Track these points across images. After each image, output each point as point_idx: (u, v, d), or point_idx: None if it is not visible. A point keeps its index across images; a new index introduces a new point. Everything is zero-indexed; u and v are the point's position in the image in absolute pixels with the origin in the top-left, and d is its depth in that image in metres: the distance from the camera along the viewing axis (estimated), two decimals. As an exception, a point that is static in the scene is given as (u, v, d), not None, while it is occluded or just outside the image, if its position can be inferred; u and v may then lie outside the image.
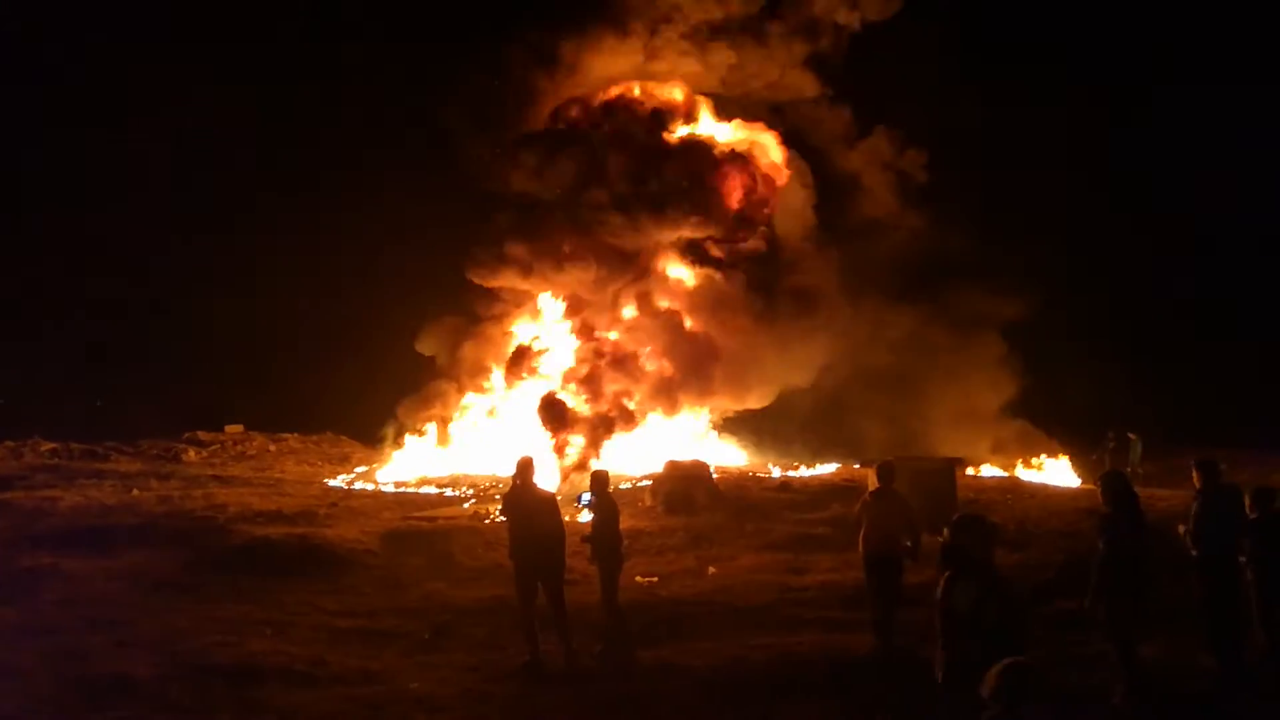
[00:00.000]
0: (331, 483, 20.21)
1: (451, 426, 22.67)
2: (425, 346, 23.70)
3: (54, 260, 27.98)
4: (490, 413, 22.78)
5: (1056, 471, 21.75)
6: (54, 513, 15.14)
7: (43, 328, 28.15)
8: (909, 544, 9.48)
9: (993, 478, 20.86)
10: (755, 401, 23.39)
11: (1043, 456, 22.40)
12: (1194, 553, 8.42)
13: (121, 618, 10.37)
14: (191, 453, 23.07)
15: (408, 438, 22.73)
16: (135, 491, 17.44)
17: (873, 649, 9.38)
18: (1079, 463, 21.36)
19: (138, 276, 28.71)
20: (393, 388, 23.84)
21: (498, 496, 15.67)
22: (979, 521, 6.27)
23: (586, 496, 9.81)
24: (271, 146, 29.00)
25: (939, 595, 5.84)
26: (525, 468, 9.49)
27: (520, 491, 9.41)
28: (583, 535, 9.85)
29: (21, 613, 10.38)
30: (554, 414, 20.62)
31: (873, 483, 15.67)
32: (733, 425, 24.09)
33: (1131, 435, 18.80)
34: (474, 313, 23.51)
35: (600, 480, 9.84)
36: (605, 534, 9.61)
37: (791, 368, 22.65)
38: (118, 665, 8.82)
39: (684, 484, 16.73)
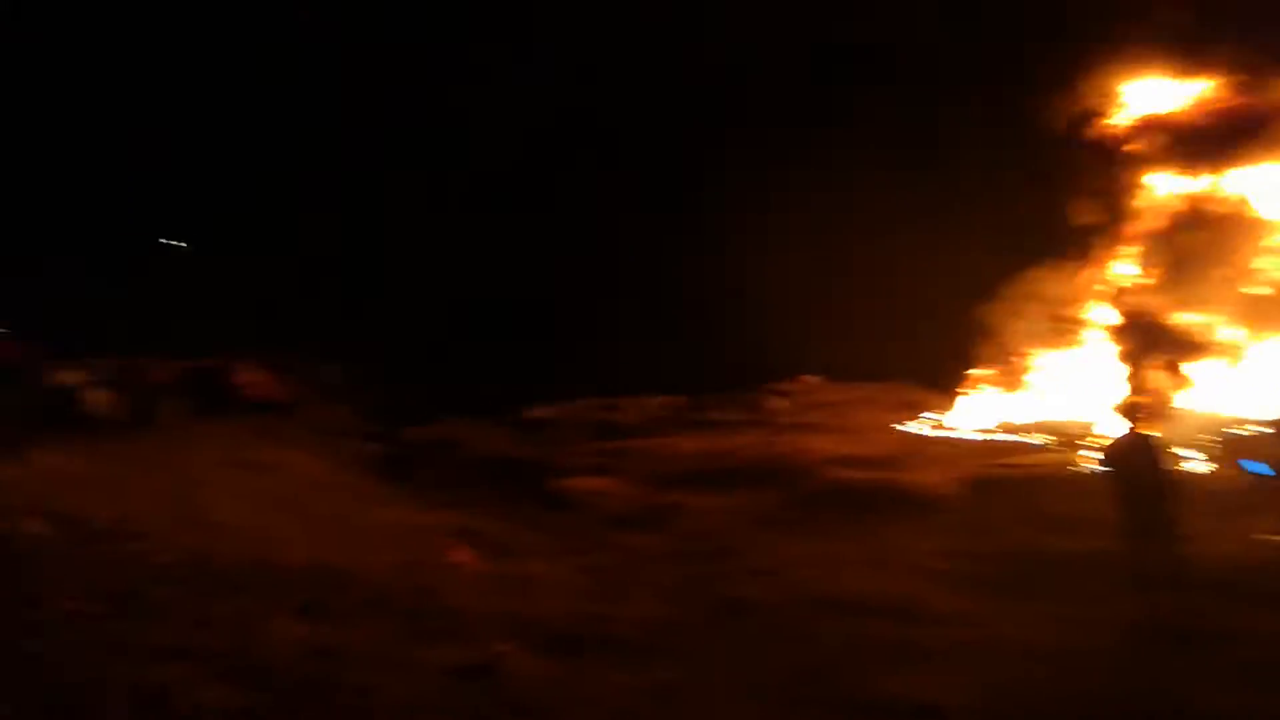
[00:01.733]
0: (905, 428, 20.52)
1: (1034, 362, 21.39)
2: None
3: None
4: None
5: None
6: (675, 457, 17.47)
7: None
8: None
9: None
10: None
11: None
12: None
13: (737, 547, 11.74)
14: (775, 401, 24.99)
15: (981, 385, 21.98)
16: (735, 438, 19.44)
17: None
18: None
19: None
20: (954, 334, 23.23)
21: (1088, 444, 14.82)
22: None
23: (1259, 465, 8.94)
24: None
25: None
26: (1136, 415, 8.90)
27: (1129, 441, 8.82)
28: None
29: (660, 540, 12.30)
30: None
31: None
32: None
33: None
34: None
35: None
36: None
37: None
38: (738, 590, 9.99)
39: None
